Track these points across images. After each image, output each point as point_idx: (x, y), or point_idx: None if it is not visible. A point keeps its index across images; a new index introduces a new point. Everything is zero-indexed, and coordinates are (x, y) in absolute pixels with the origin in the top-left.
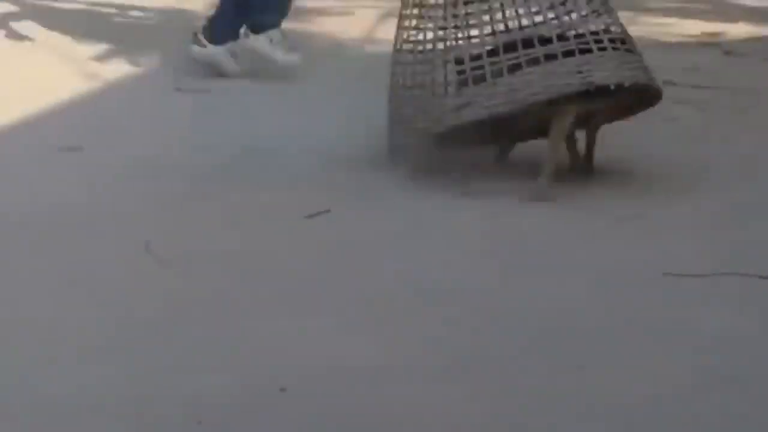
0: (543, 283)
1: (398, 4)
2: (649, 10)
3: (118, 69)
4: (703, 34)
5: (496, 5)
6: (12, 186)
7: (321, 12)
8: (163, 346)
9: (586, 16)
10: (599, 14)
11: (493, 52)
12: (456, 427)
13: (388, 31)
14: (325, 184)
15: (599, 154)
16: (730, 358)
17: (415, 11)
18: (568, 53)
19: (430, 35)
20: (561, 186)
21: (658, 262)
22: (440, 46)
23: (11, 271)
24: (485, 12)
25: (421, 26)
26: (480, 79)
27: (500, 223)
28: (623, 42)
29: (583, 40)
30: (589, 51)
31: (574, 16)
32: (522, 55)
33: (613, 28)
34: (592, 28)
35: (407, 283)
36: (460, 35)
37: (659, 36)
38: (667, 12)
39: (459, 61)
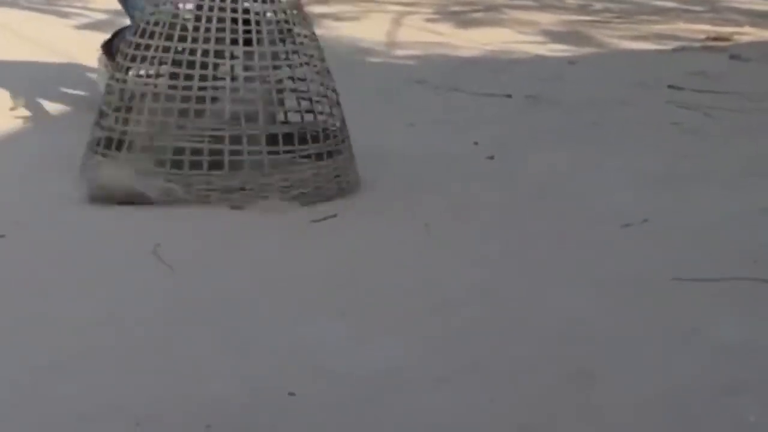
0: (552, 290)
1: (410, 8)
2: (656, 12)
3: None
4: (709, 38)
5: None
6: None
7: (335, 17)
8: (172, 351)
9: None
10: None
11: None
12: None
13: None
14: None
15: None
16: (743, 364)
17: None
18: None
19: None
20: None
21: (667, 266)
22: None
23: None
24: None
25: None
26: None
27: (502, 231)
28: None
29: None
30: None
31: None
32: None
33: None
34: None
35: (416, 288)
36: None
37: (666, 39)
38: (674, 15)
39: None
